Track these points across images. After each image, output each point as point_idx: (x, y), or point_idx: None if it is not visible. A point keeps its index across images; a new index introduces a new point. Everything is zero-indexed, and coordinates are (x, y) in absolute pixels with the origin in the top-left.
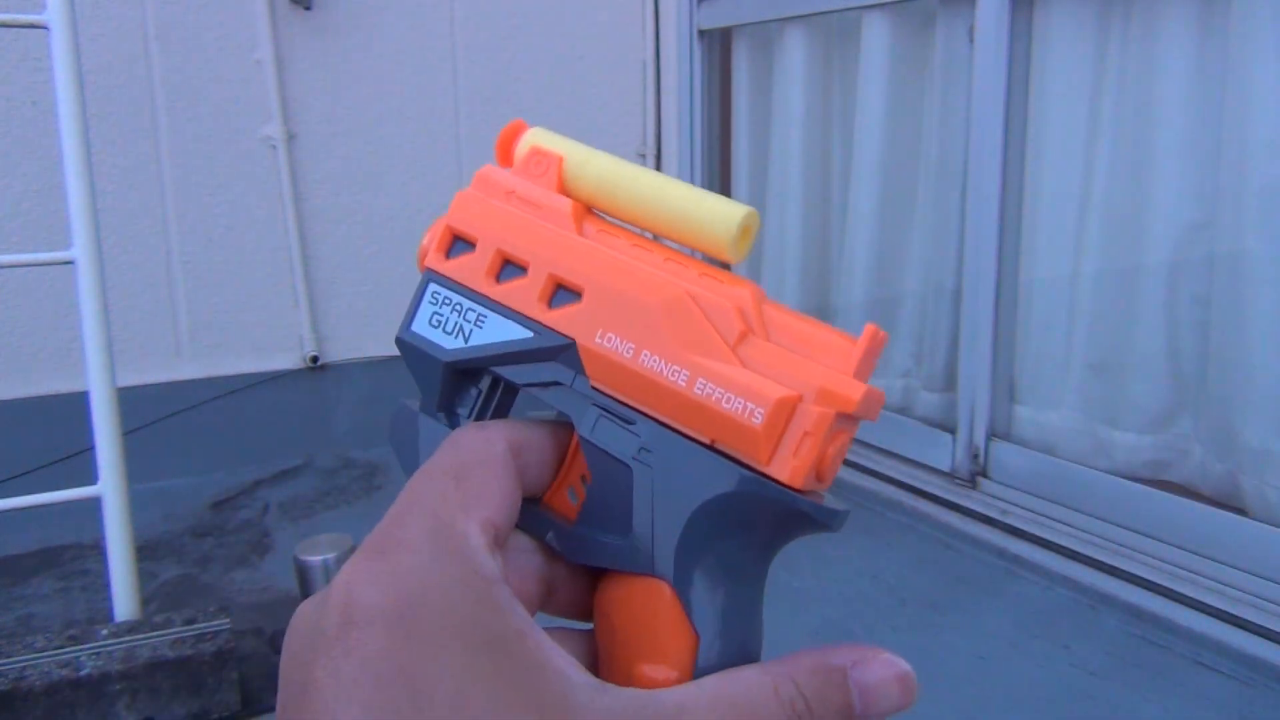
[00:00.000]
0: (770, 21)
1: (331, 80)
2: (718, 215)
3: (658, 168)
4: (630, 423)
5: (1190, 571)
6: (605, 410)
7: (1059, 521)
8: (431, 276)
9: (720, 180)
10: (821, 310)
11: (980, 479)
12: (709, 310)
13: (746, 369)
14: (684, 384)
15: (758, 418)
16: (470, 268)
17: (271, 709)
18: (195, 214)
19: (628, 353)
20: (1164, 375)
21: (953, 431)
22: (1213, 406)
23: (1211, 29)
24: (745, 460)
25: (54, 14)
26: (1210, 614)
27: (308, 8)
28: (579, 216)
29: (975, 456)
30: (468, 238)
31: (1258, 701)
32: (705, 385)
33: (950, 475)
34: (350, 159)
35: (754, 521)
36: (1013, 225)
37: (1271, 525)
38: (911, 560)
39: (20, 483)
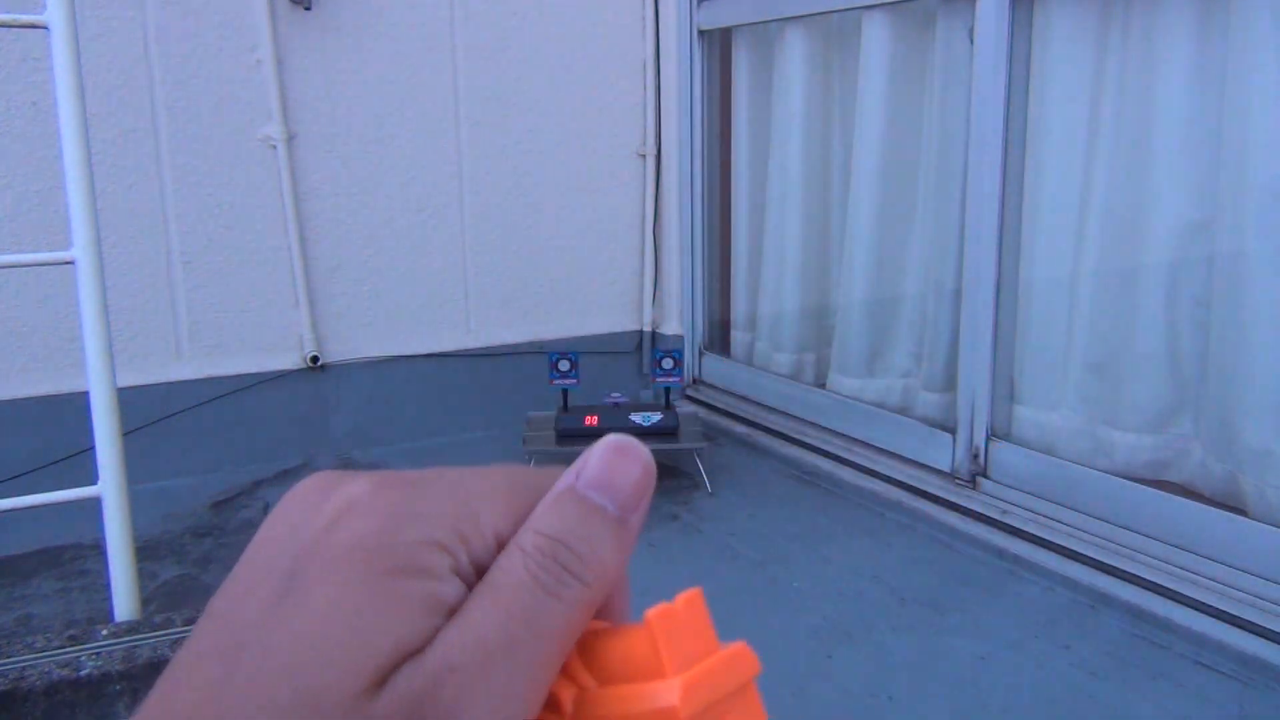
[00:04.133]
0: (770, 21)
1: (331, 80)
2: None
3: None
4: None
5: (1190, 571)
6: None
7: (1059, 521)
8: None
9: (720, 181)
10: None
11: (980, 479)
12: None
13: None
14: None
15: None
16: None
17: None
18: (195, 214)
19: None
20: (1164, 375)
21: (953, 431)
22: (1213, 406)
23: (1211, 29)
24: None
25: (54, 14)
26: (1210, 614)
27: (308, 8)
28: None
29: (975, 456)
30: None
31: (1258, 701)
32: None
33: (950, 475)
34: (350, 159)
35: None
36: (1013, 225)
37: (1271, 525)
38: (911, 560)
39: (20, 483)
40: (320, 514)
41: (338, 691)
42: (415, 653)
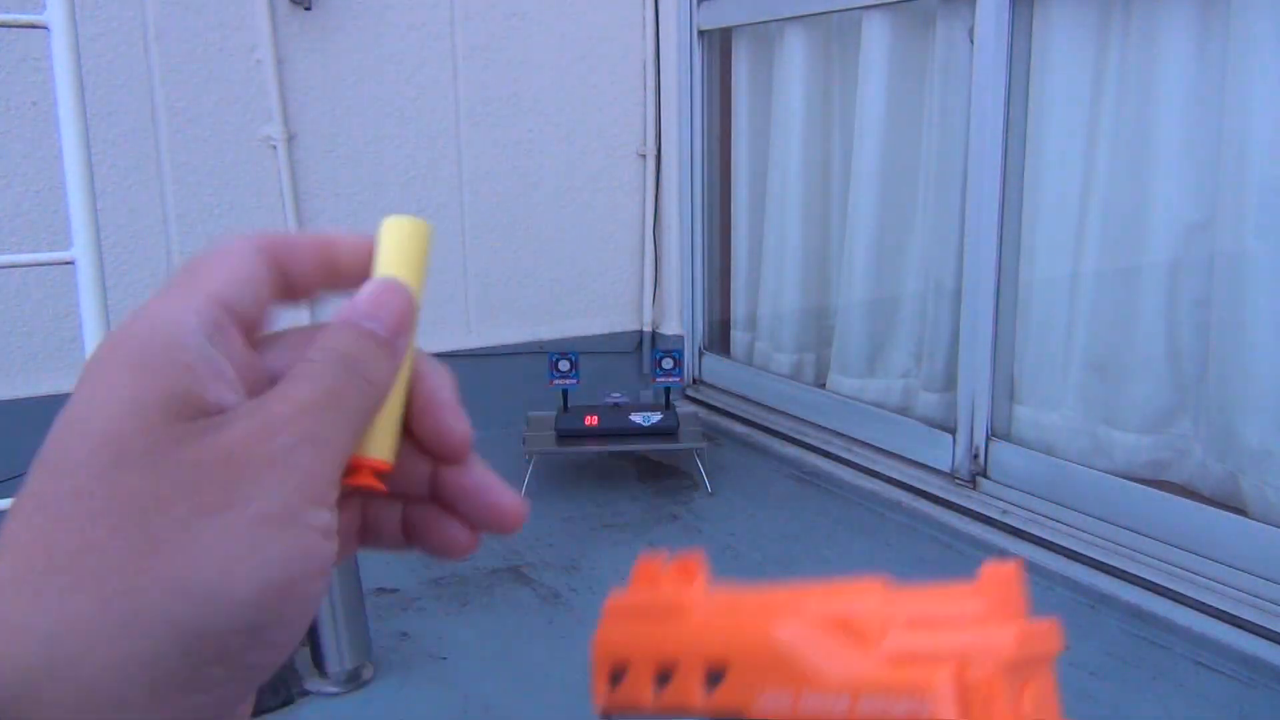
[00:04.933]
0: (770, 21)
1: (331, 80)
2: None
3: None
4: None
5: (1190, 571)
6: None
7: (1059, 521)
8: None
9: (720, 181)
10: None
11: (980, 479)
12: (846, 621)
13: (900, 667)
14: (848, 708)
15: (938, 709)
16: (633, 690)
17: (270, 709)
18: (195, 214)
19: (788, 702)
20: (1164, 375)
21: (953, 431)
22: (1213, 406)
23: (1211, 29)
24: None
25: (54, 14)
26: (1210, 614)
27: (308, 8)
28: (697, 600)
29: (975, 456)
30: (620, 666)
31: (1258, 701)
32: (869, 700)
33: (950, 475)
34: (350, 159)
35: None
36: (1013, 225)
37: (1271, 525)
38: (911, 560)
39: (20, 483)
40: None
41: (136, 436)
42: (199, 414)
